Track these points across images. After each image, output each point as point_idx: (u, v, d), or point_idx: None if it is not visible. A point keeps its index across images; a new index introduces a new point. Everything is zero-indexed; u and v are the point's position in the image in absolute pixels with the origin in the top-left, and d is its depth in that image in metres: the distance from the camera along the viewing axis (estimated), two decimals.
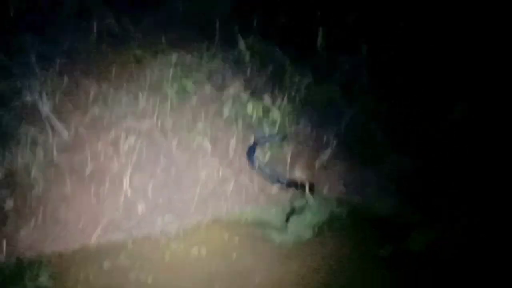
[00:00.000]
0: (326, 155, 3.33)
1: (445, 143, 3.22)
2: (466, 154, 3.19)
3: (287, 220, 3.15)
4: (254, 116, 3.35)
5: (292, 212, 3.18)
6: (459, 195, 3.11)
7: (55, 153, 3.37)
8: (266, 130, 3.36)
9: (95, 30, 3.57)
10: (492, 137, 3.18)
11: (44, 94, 3.44)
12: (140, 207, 3.35)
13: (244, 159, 3.37)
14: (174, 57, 3.52)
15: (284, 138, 3.30)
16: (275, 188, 3.32)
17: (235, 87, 3.43)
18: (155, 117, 3.41)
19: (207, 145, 3.38)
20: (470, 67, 3.26)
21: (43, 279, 3.11)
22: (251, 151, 3.26)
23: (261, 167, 3.23)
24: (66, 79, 3.53)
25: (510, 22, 3.20)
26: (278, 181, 3.22)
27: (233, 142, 3.37)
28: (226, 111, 3.37)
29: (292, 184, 3.23)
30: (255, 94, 3.39)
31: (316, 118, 3.39)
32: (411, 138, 3.28)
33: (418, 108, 3.30)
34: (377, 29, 3.41)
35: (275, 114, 3.36)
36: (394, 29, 3.35)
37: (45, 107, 3.40)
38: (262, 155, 3.43)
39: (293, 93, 3.44)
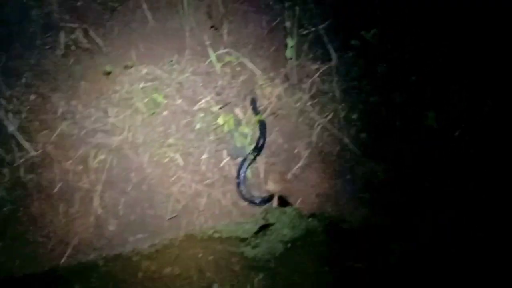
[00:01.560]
0: (298, 166, 3.25)
1: (418, 151, 3.17)
2: (439, 162, 3.14)
3: (260, 234, 3.06)
4: (226, 128, 3.23)
5: (265, 226, 3.10)
6: (433, 204, 3.06)
7: (22, 172, 3.23)
8: (238, 143, 3.24)
9: (62, 44, 3.44)
10: (466, 145, 3.13)
11: (10, 112, 3.29)
12: (111, 226, 3.25)
13: (216, 172, 3.27)
14: (144, 71, 3.41)
15: (258, 151, 3.20)
16: (247, 202, 3.22)
17: (206, 100, 3.32)
18: (125, 133, 3.32)
19: (179, 159, 3.27)
20: (440, 73, 3.20)
21: None
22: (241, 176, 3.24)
23: (243, 189, 3.14)
24: (33, 96, 3.38)
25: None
26: (254, 202, 3.13)
27: (205, 156, 3.27)
28: (197, 124, 3.26)
29: (266, 200, 3.14)
30: (226, 106, 3.29)
31: (288, 129, 3.30)
32: (383, 147, 3.21)
33: (390, 116, 3.25)
34: (347, 36, 3.33)
35: (247, 126, 3.26)
36: (363, 36, 3.27)
37: (12, 125, 3.24)
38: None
39: (264, 104, 3.34)
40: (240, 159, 3.33)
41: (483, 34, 3.23)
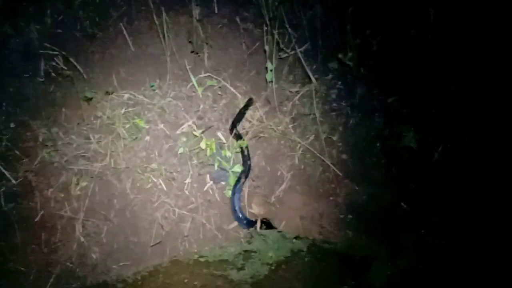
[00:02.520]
0: (281, 189, 3.25)
1: (398, 172, 3.20)
2: (420, 181, 3.18)
3: (245, 257, 3.04)
4: (208, 152, 3.22)
5: (249, 249, 3.07)
6: (415, 225, 3.08)
7: (2, 201, 3.16)
8: (221, 167, 3.24)
9: (42, 71, 3.42)
10: (446, 165, 3.17)
11: None
12: (94, 254, 3.19)
13: (200, 197, 3.25)
14: (125, 96, 3.40)
15: (246, 175, 3.20)
16: (232, 226, 3.20)
17: (188, 124, 3.32)
18: (107, 159, 3.29)
19: (162, 184, 3.24)
20: (419, 93, 3.25)
21: None
22: (236, 202, 3.25)
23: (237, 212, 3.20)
24: (13, 124, 3.34)
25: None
26: (244, 224, 3.13)
27: (188, 180, 3.25)
28: (180, 149, 3.25)
29: (253, 223, 3.13)
30: (209, 130, 3.29)
31: (270, 152, 3.30)
32: (364, 168, 3.23)
33: (370, 137, 3.27)
34: (325, 59, 3.38)
35: (229, 150, 3.26)
36: (341, 59, 3.31)
37: None
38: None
39: (246, 128, 3.34)
40: (223, 183, 3.31)
41: (462, 57, 3.29)
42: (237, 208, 3.21)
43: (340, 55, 3.41)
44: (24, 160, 3.40)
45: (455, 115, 3.28)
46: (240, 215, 3.21)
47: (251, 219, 3.23)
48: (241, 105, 3.50)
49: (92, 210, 3.30)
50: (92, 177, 3.35)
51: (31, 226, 3.29)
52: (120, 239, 3.27)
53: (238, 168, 3.32)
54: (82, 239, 3.25)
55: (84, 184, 3.35)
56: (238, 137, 3.34)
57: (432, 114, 3.32)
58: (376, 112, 3.38)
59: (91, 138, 3.44)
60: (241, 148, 3.31)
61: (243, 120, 3.49)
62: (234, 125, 3.38)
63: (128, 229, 3.28)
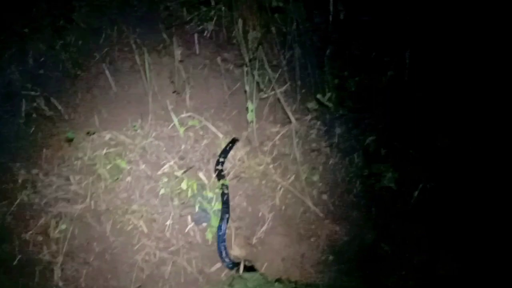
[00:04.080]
0: (263, 230, 3.22)
1: (378, 212, 3.20)
2: (400, 222, 3.17)
3: None
4: (190, 193, 3.19)
5: None
6: (396, 266, 3.06)
7: None
8: (202, 208, 3.20)
9: (23, 112, 3.39)
10: (425, 206, 3.17)
11: None
12: None
13: (181, 239, 3.20)
14: (107, 136, 3.38)
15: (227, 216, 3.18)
16: (213, 269, 3.14)
17: (169, 164, 3.29)
18: (88, 200, 3.24)
19: (143, 226, 3.20)
20: (397, 133, 3.28)
21: None
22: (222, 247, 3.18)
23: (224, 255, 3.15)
24: None
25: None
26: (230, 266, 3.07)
27: (169, 221, 3.21)
28: (161, 190, 3.21)
29: (236, 264, 3.07)
30: (190, 170, 3.27)
31: (251, 192, 3.28)
32: (345, 209, 3.23)
33: (350, 177, 3.28)
34: (304, 99, 3.40)
35: (210, 190, 3.23)
36: (320, 99, 3.34)
37: None
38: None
39: (227, 168, 3.33)
40: (205, 224, 3.28)
41: (438, 97, 3.34)
42: (223, 248, 3.16)
43: (318, 96, 3.44)
44: (3, 203, 3.34)
45: (434, 155, 3.31)
46: (225, 256, 3.16)
47: (235, 260, 3.18)
48: (223, 145, 3.49)
49: (71, 254, 3.25)
50: (71, 220, 3.30)
51: (9, 270, 3.21)
52: (100, 283, 3.20)
53: (219, 209, 3.29)
54: (60, 283, 3.18)
55: (63, 226, 3.29)
56: (221, 176, 3.32)
57: (411, 154, 3.34)
58: (355, 152, 3.39)
59: (71, 179, 3.41)
60: (222, 188, 3.29)
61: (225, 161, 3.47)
62: (220, 163, 3.36)
63: (108, 273, 3.22)
